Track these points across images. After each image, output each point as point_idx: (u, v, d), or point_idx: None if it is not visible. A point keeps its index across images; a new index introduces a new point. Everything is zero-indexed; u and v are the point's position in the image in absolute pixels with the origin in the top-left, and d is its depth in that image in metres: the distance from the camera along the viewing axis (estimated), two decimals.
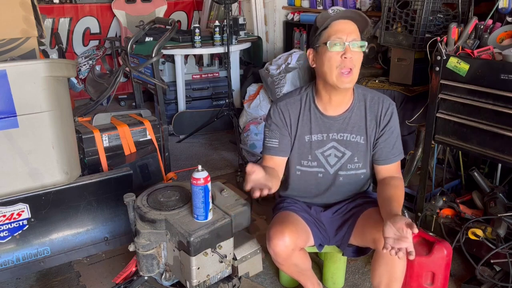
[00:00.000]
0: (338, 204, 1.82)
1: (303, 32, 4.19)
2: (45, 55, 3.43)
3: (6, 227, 2.00)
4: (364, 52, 1.59)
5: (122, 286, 1.87)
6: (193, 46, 3.82)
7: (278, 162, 1.73)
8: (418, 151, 2.39)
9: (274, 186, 1.57)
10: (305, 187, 1.80)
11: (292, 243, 1.60)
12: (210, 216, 1.67)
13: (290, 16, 4.37)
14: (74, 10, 4.70)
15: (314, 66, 1.67)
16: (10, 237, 2.03)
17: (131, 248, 1.75)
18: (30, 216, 2.03)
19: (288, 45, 4.44)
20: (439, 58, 2.01)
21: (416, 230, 1.32)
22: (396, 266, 1.57)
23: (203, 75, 4.30)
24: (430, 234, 1.95)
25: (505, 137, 1.83)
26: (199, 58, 4.56)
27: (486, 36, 2.02)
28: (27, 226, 2.05)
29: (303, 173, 1.76)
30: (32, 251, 2.08)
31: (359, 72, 1.61)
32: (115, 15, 4.82)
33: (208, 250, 1.65)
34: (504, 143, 1.85)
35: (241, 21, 3.88)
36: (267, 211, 2.62)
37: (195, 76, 4.26)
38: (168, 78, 4.19)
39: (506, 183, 2.23)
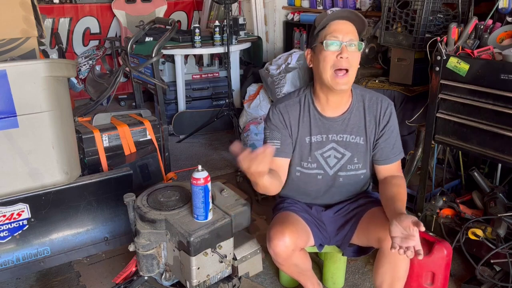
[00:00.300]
0: (339, 204, 1.82)
1: (303, 32, 4.19)
2: (45, 55, 3.43)
3: (6, 227, 2.00)
4: (364, 52, 1.59)
5: (122, 286, 1.87)
6: (193, 46, 3.82)
7: (280, 164, 1.71)
8: (418, 151, 2.39)
9: (274, 188, 1.56)
10: (304, 188, 1.80)
11: (292, 243, 1.60)
12: (210, 216, 1.67)
13: (290, 16, 4.38)
14: (74, 10, 4.70)
15: (311, 66, 1.67)
16: (10, 237, 2.03)
17: (131, 248, 1.75)
18: (30, 216, 2.03)
19: (288, 45, 4.44)
20: (439, 58, 2.01)
21: (422, 228, 1.32)
22: (399, 265, 1.57)
23: (203, 75, 4.30)
24: (430, 234, 1.95)
25: (505, 137, 1.83)
26: (199, 58, 4.56)
27: (486, 36, 2.02)
28: (27, 226, 2.05)
29: (302, 174, 1.76)
30: (32, 251, 2.08)
31: (359, 72, 1.61)
32: (115, 15, 4.82)
33: (208, 250, 1.65)
34: (504, 143, 1.85)
35: (241, 21, 3.88)
36: (267, 211, 2.62)
37: (195, 76, 4.26)
38: (168, 78, 4.19)
39: (506, 183, 2.23)
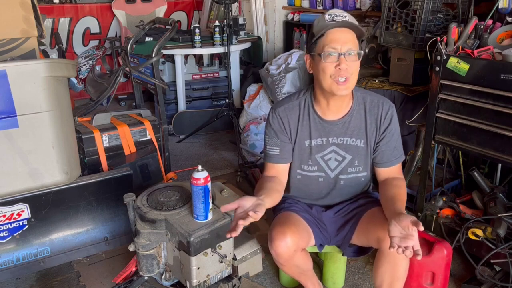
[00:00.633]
0: (339, 204, 1.82)
1: (303, 32, 4.19)
2: (45, 55, 3.42)
3: (6, 227, 2.00)
4: (364, 52, 1.58)
5: (122, 286, 1.88)
6: (193, 46, 3.82)
7: (280, 169, 1.72)
8: (418, 151, 2.39)
9: (270, 203, 1.56)
10: (305, 191, 1.80)
11: (294, 244, 1.60)
12: (210, 216, 1.67)
13: (290, 16, 4.37)
14: (74, 10, 4.70)
15: (311, 72, 1.66)
16: (10, 237, 2.03)
17: (131, 248, 1.75)
18: (30, 216, 2.03)
19: (288, 45, 4.44)
20: (439, 58, 2.01)
21: (421, 228, 1.32)
22: (399, 265, 1.57)
23: (203, 75, 4.30)
24: (430, 234, 1.95)
25: (505, 137, 1.83)
26: (199, 58, 4.56)
27: (486, 36, 2.02)
28: (27, 226, 2.05)
29: (303, 177, 1.76)
30: (32, 251, 2.08)
31: (359, 72, 1.60)
32: (115, 15, 4.82)
33: (208, 250, 1.65)
34: (504, 143, 1.85)
35: (241, 21, 3.88)
36: (268, 212, 2.61)
37: (195, 76, 4.26)
38: (168, 78, 4.19)
39: (506, 183, 2.22)
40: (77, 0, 4.77)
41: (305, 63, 1.68)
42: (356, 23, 1.58)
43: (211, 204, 1.67)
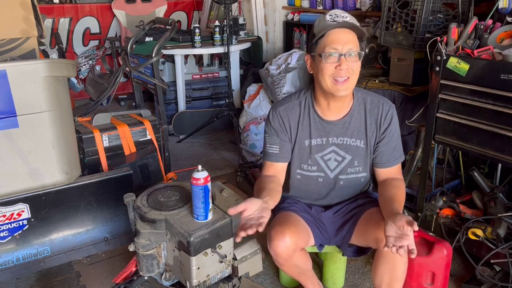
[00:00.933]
0: (339, 204, 1.82)
1: (303, 32, 4.19)
2: (45, 55, 3.43)
3: (6, 227, 2.00)
4: (364, 52, 1.58)
5: (122, 286, 1.87)
6: (193, 46, 3.82)
7: (279, 168, 1.73)
8: (418, 151, 2.39)
9: (273, 205, 1.57)
10: (305, 191, 1.80)
11: (293, 243, 1.60)
12: (210, 216, 1.67)
13: (290, 16, 4.37)
14: (74, 10, 4.70)
15: (311, 72, 1.66)
16: (10, 237, 2.03)
17: (131, 248, 1.75)
18: (30, 216, 2.03)
19: (288, 45, 4.44)
20: (439, 58, 2.01)
21: (416, 227, 1.32)
22: (397, 265, 1.57)
23: (203, 75, 4.30)
24: (430, 234, 1.95)
25: (505, 137, 1.83)
26: (199, 58, 4.56)
27: (486, 36, 2.02)
28: (27, 226, 2.05)
29: (303, 177, 1.76)
30: (32, 251, 2.08)
31: (359, 72, 1.60)
32: (115, 15, 4.82)
33: (208, 250, 1.65)
34: (504, 143, 1.85)
35: (241, 21, 3.88)
36: None
37: (195, 76, 4.26)
38: (168, 78, 4.19)
39: (506, 183, 2.22)
40: (77, 0, 4.77)
41: (306, 63, 1.68)
42: (357, 23, 1.58)
43: (211, 204, 1.66)
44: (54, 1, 4.64)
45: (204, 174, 1.60)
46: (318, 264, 2.19)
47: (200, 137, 4.03)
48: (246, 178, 3.09)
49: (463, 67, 1.92)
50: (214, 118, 3.91)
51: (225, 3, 3.60)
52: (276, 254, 1.62)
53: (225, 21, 3.76)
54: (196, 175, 1.59)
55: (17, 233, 2.04)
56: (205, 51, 4.13)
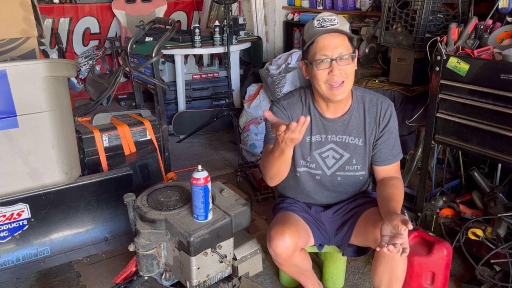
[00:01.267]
0: (338, 204, 1.82)
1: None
2: (45, 55, 3.42)
3: (6, 227, 2.00)
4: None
5: (122, 286, 1.87)
6: (193, 46, 3.81)
7: None
8: (418, 151, 2.39)
9: (286, 169, 1.56)
10: (303, 188, 1.80)
11: (292, 243, 1.60)
12: (210, 216, 1.67)
13: (290, 16, 4.37)
14: (74, 10, 4.70)
15: (307, 77, 1.66)
16: (10, 237, 2.03)
17: (131, 248, 1.75)
18: (30, 216, 2.03)
19: (288, 45, 4.44)
20: (439, 58, 2.01)
21: (410, 227, 1.33)
22: (397, 265, 1.57)
23: (203, 75, 4.30)
24: (430, 234, 1.95)
25: (505, 137, 1.83)
26: (199, 58, 4.56)
27: (486, 36, 2.02)
28: (27, 226, 2.05)
29: (302, 174, 1.76)
30: (32, 251, 2.08)
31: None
32: (115, 15, 4.82)
33: (208, 250, 1.65)
34: (504, 143, 1.85)
35: (241, 21, 3.88)
36: (267, 211, 2.62)
37: (195, 76, 4.26)
38: (168, 78, 4.19)
39: (506, 183, 2.22)
40: (77, 0, 4.76)
41: (301, 69, 1.68)
42: (346, 25, 1.57)
43: (211, 204, 1.66)
44: (54, 1, 4.64)
45: (204, 174, 1.60)
46: (318, 264, 2.19)
47: (200, 137, 4.03)
48: (246, 178, 3.09)
49: (463, 67, 1.92)
50: (214, 118, 3.91)
51: (225, 3, 3.60)
52: (276, 254, 1.62)
53: (225, 21, 3.76)
54: (196, 175, 1.59)
55: (17, 233, 2.04)
56: (205, 51, 4.13)
